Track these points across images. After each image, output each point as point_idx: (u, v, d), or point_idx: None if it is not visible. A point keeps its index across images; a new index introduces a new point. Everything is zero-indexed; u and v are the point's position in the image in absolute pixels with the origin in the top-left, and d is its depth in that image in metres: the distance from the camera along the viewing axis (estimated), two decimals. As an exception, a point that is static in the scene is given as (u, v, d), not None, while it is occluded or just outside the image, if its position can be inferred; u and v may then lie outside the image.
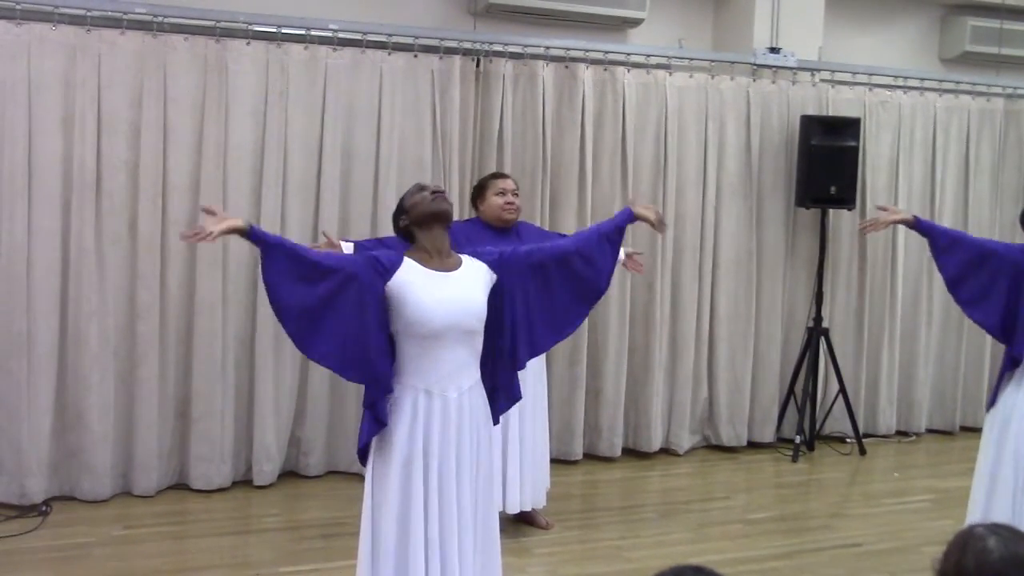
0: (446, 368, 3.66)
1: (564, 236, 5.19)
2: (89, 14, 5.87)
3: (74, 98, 5.82)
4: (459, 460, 3.72)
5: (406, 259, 3.72)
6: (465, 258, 3.84)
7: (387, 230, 6.35)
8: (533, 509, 5.69)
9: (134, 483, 6.06)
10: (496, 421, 3.93)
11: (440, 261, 3.75)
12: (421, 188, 3.85)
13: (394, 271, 3.65)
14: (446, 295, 3.65)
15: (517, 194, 5.58)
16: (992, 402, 4.73)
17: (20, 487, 5.73)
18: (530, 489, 5.56)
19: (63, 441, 5.92)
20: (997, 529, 2.14)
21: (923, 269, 8.14)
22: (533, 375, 5.57)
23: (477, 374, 3.79)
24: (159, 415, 6.08)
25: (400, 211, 3.88)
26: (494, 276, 3.82)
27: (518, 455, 5.46)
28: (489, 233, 5.44)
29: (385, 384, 3.63)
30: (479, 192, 5.61)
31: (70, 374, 5.89)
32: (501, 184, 5.54)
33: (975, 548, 2.10)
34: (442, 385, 3.66)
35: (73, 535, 5.45)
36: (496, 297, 3.80)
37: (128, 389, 6.04)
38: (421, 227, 3.80)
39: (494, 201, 5.49)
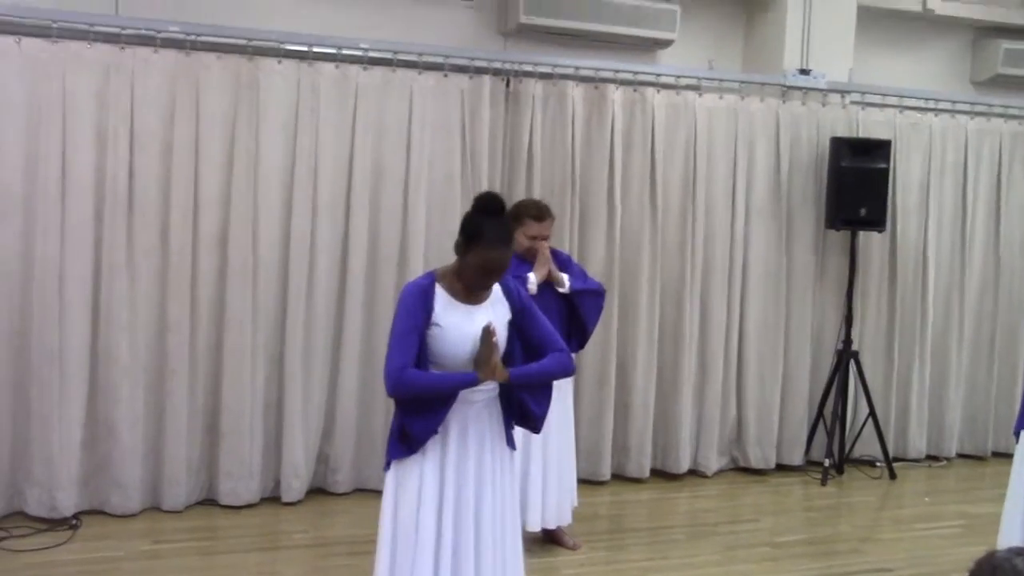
0: (466, 394, 3.70)
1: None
2: (123, 32, 5.93)
3: (107, 115, 5.87)
4: (479, 473, 3.75)
5: (437, 288, 3.73)
6: (496, 288, 3.84)
7: (415, 247, 6.41)
8: (559, 529, 5.68)
9: (163, 498, 6.08)
10: (512, 445, 3.94)
11: (470, 295, 3.76)
12: (489, 270, 3.68)
13: (431, 308, 3.68)
14: (471, 331, 3.69)
15: (547, 237, 5.55)
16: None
17: (51, 500, 5.77)
18: (554, 507, 5.55)
19: (93, 454, 5.95)
20: (1020, 552, 2.14)
21: (954, 292, 8.10)
22: (558, 393, 5.55)
23: (495, 392, 3.82)
24: (188, 429, 6.10)
25: (468, 238, 3.68)
26: (509, 315, 3.84)
27: (541, 473, 5.45)
28: (514, 260, 5.41)
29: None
30: (514, 219, 5.54)
31: (100, 387, 5.92)
32: (535, 230, 5.47)
33: (1005, 570, 2.09)
34: (460, 402, 3.69)
35: (102, 549, 5.48)
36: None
37: (158, 403, 6.06)
38: (472, 273, 3.72)
39: (522, 240, 5.42)
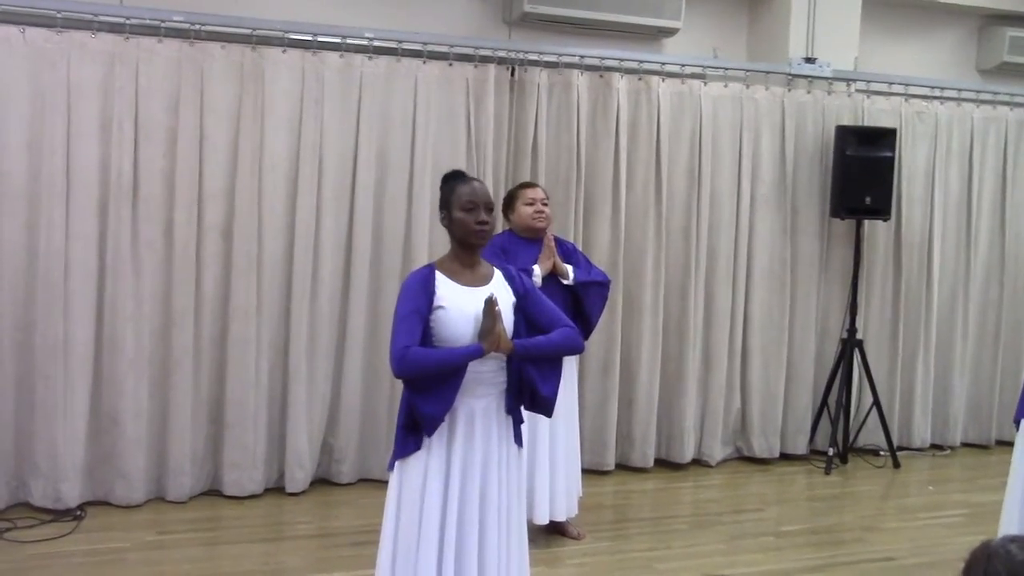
0: (472, 380, 3.67)
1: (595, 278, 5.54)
2: (128, 22, 5.92)
3: (112, 105, 5.87)
4: (485, 469, 3.72)
5: (437, 274, 3.74)
6: (497, 273, 3.86)
7: (419, 237, 6.41)
8: (567, 519, 5.68)
9: (167, 489, 6.10)
10: (520, 442, 3.91)
11: (470, 274, 3.78)
12: (472, 205, 3.75)
13: (433, 292, 3.68)
14: (475, 311, 3.66)
15: (547, 203, 5.59)
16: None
17: (55, 491, 5.78)
18: (563, 499, 5.55)
19: (98, 446, 5.96)
20: (1014, 539, 2.18)
21: (958, 281, 8.09)
22: (564, 384, 5.55)
23: (503, 385, 3.79)
24: (193, 421, 6.11)
25: (444, 205, 3.85)
26: (513, 299, 3.83)
27: (547, 465, 5.45)
28: (521, 243, 5.46)
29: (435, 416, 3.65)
30: (508, 203, 5.65)
31: (105, 379, 5.93)
32: (530, 193, 5.57)
33: (1000, 555, 2.13)
34: (467, 395, 3.67)
35: (107, 540, 5.49)
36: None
37: (162, 394, 6.07)
38: (455, 240, 3.82)
39: (524, 211, 5.51)
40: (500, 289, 3.79)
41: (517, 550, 3.85)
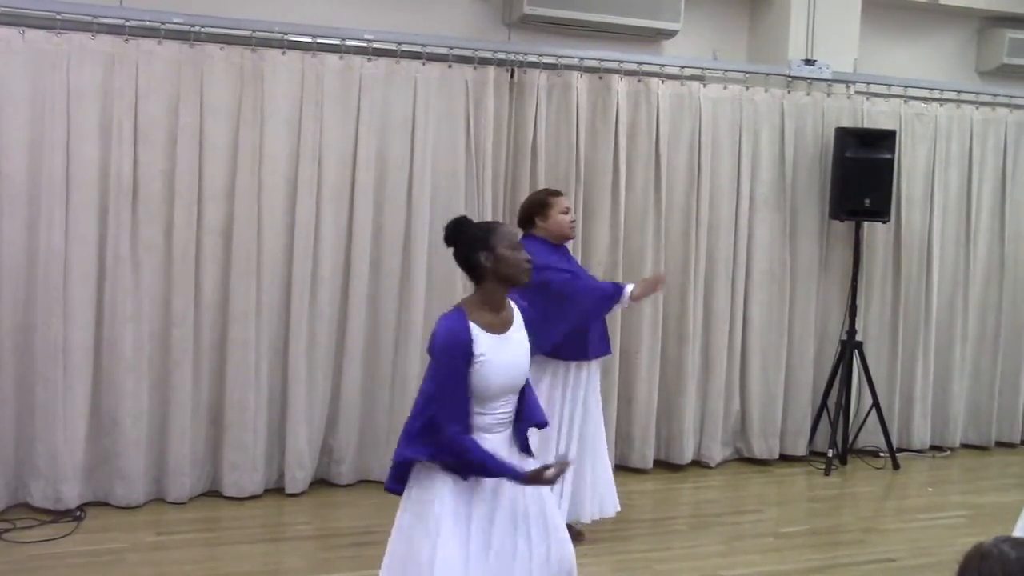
0: (494, 418, 3.69)
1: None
2: (127, 24, 5.92)
3: (112, 107, 5.87)
4: (513, 504, 3.71)
5: (472, 327, 3.64)
6: (516, 314, 3.83)
7: (419, 238, 6.41)
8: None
9: (167, 489, 6.10)
10: (530, 453, 3.90)
11: (498, 320, 3.73)
12: (519, 245, 3.77)
13: (472, 353, 3.62)
14: (506, 360, 3.67)
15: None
16: None
17: (55, 492, 5.78)
18: (599, 497, 5.61)
19: (97, 447, 5.96)
20: (1005, 539, 2.20)
21: (958, 283, 8.09)
22: (590, 398, 5.58)
23: (512, 416, 3.81)
24: (192, 422, 6.11)
25: (482, 246, 3.72)
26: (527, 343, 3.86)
27: (591, 466, 5.52)
28: (547, 248, 5.39)
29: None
30: (541, 208, 5.50)
31: (105, 380, 5.93)
32: (564, 202, 5.55)
33: (994, 555, 2.15)
34: (487, 430, 3.68)
35: (106, 541, 5.49)
36: None
37: (162, 396, 6.07)
38: (498, 279, 3.73)
39: (561, 219, 5.47)
40: (519, 325, 3.82)
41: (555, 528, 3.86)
